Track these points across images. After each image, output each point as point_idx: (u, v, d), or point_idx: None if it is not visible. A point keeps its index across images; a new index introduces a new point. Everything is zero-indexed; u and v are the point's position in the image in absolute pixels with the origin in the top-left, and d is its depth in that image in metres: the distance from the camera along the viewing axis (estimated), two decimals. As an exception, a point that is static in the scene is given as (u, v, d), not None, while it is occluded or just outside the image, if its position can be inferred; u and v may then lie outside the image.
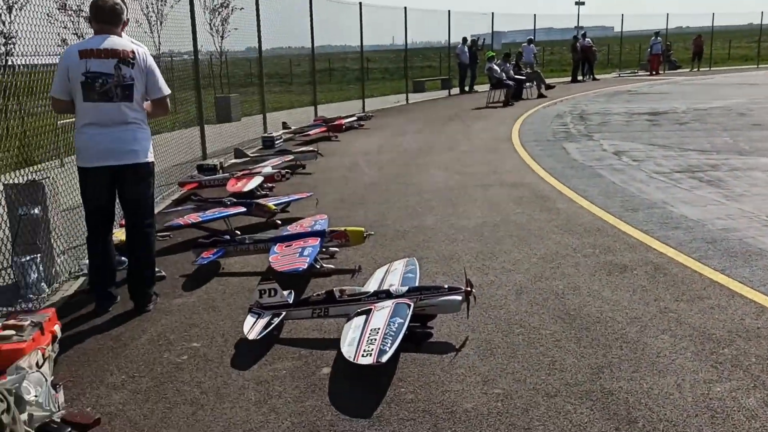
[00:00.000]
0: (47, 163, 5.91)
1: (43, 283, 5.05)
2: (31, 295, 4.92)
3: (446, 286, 4.04)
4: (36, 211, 5.07)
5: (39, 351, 3.38)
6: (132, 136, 4.34)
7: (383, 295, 4.05)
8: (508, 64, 21.25)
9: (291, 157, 9.90)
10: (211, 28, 22.87)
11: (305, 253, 5.01)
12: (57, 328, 3.76)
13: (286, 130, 13.70)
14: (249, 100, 17.92)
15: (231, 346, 4.03)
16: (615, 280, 4.90)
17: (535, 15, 31.95)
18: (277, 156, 10.02)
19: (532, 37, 28.49)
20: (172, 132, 11.18)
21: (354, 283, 4.97)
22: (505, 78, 20.19)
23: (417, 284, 4.30)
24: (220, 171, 9.17)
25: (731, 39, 47.17)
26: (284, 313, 4.09)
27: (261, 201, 6.77)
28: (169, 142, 9.79)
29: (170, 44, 12.22)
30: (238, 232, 6.34)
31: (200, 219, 6.25)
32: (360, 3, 18.89)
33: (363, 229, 5.45)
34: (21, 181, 5.12)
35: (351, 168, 10.10)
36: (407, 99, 22.48)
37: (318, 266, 5.18)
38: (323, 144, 12.34)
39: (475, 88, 25.70)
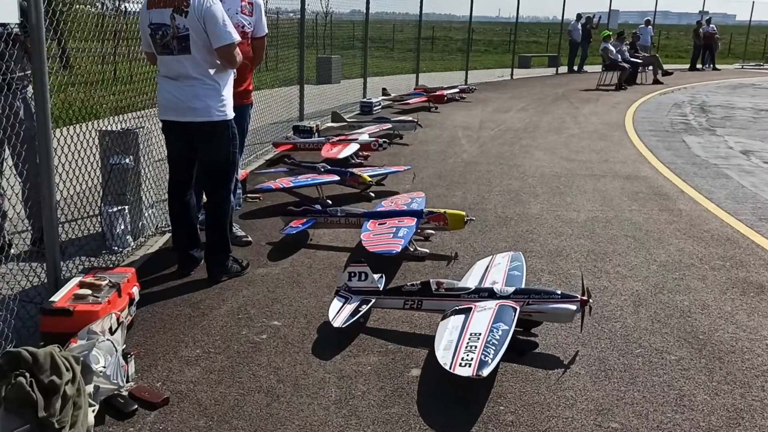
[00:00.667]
0: (147, 111, 5.69)
1: (128, 236, 4.89)
2: (116, 248, 4.77)
3: (559, 292, 3.55)
4: (127, 161, 4.90)
5: (114, 315, 3.15)
6: (192, 93, 4.00)
7: (485, 293, 3.61)
8: (624, 46, 19.96)
9: (389, 125, 9.50)
10: (319, -13, 22.58)
11: (400, 234, 4.61)
12: (135, 290, 3.53)
13: (386, 97, 13.30)
14: (350, 63, 17.58)
15: (313, 329, 3.70)
16: (751, 302, 4.25)
17: (657, -5, 29.94)
18: (374, 123, 9.64)
19: (650, 18, 26.71)
20: (272, 89, 10.99)
21: (449, 272, 4.55)
22: (620, 60, 18.98)
23: (524, 284, 3.83)
24: (316, 134, 8.89)
25: None
26: (374, 300, 3.72)
27: (356, 171, 6.42)
28: (267, 100, 9.58)
29: (277, 2, 11.99)
30: (329, 202, 6.03)
31: (292, 184, 5.97)
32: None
33: (464, 213, 4.99)
34: (116, 129, 4.95)
35: (450, 142, 9.60)
36: (512, 74, 21.58)
37: (412, 249, 4.78)
38: (422, 114, 11.88)
39: (585, 68, 24.45)
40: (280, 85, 11.55)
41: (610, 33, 20.34)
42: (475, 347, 3.08)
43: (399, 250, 4.40)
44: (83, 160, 4.43)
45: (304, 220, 5.06)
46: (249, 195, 6.17)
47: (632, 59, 19.90)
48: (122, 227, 4.84)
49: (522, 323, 3.52)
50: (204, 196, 4.45)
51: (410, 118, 9.92)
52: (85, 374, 2.74)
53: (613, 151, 9.20)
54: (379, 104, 12.37)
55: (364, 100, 12.26)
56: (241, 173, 6.29)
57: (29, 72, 4.44)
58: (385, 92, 13.58)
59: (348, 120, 9.90)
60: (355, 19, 19.01)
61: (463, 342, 3.16)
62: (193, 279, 4.34)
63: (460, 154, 8.76)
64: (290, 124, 9.65)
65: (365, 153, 8.01)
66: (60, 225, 4.64)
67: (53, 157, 3.57)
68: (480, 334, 3.19)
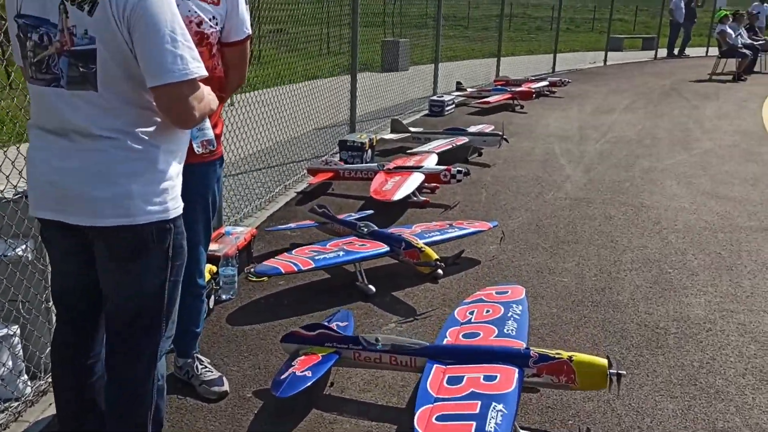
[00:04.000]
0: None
1: (21, 378, 2.89)
2: (-6, 403, 2.78)
3: None
4: (21, 251, 2.87)
5: None
6: (96, 168, 1.90)
7: None
8: (742, 28, 16.82)
9: (465, 139, 7.23)
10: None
11: (489, 422, 2.41)
12: None
13: (460, 92, 11.00)
14: (420, 45, 15.29)
15: None
16: None
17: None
18: (446, 136, 7.39)
19: (766, -5, 23.10)
20: (330, 78, 8.75)
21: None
22: (739, 45, 15.94)
23: None
24: (368, 151, 6.73)
25: None
26: None
27: (415, 240, 4.19)
28: (316, 95, 7.45)
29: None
30: (373, 289, 3.90)
31: (313, 263, 3.81)
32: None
33: (605, 362, 2.72)
34: (10, 196, 2.91)
35: (545, 163, 7.26)
36: (605, 59, 18.73)
37: (509, 433, 2.58)
38: (506, 116, 9.56)
39: (687, 51, 21.31)
40: (340, 72, 9.32)
41: (728, 13, 17.21)
42: None
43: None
44: None
45: (319, 357, 2.91)
46: (250, 273, 4.08)
47: (753, 44, 16.79)
48: (10, 364, 2.83)
49: None
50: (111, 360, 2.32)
51: (493, 131, 7.61)
52: None
53: (776, 183, 6.66)
54: (453, 103, 10.13)
55: (435, 98, 10.00)
56: (246, 233, 4.23)
57: None
58: (459, 86, 11.28)
59: (412, 130, 7.67)
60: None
61: None
62: None
63: (562, 185, 6.42)
64: (343, 129, 7.55)
65: (432, 184, 5.82)
66: None
67: None
68: None
